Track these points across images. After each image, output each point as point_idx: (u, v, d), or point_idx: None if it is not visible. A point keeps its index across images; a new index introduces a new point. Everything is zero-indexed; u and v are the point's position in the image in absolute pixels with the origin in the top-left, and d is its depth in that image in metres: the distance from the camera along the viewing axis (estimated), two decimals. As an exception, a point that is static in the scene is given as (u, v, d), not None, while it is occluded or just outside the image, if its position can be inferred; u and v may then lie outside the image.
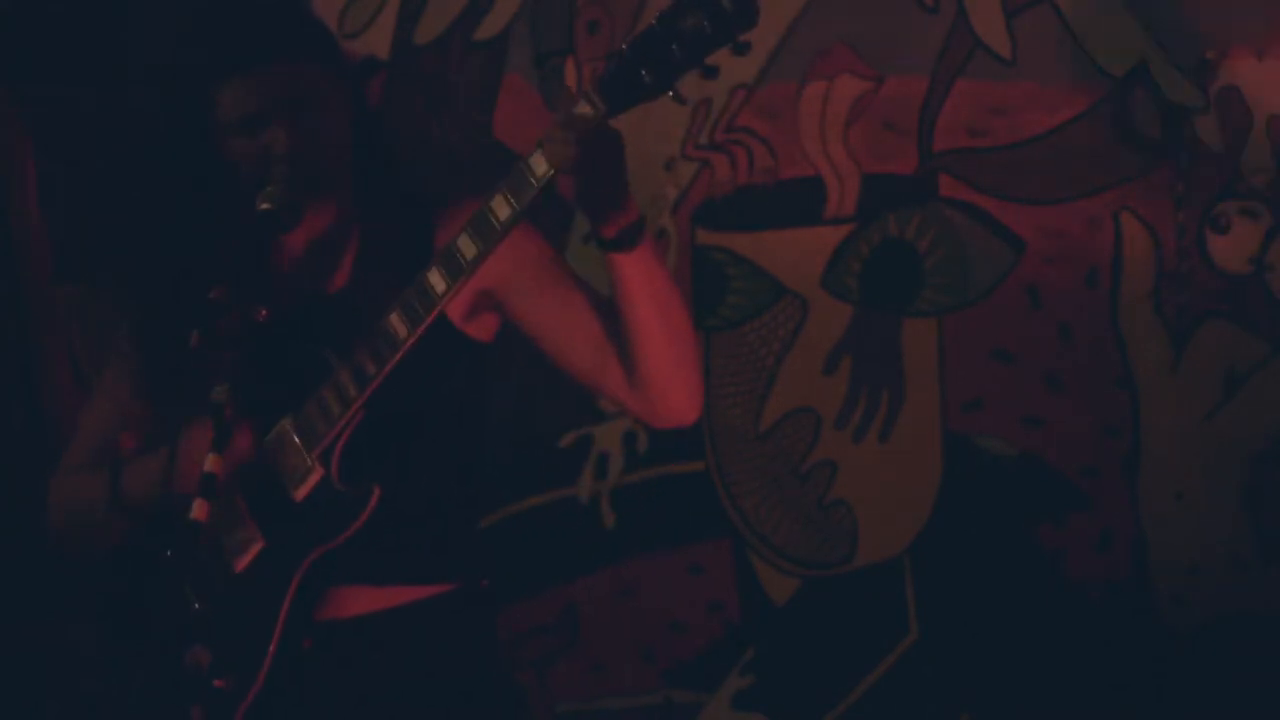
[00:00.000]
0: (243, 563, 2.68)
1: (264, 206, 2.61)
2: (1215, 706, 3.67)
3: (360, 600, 2.70)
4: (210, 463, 2.43)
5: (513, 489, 4.24)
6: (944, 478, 3.90)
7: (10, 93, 4.43)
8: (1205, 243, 3.68)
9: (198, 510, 2.39)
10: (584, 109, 2.44)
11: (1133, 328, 3.75)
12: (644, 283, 2.57)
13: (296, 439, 2.64)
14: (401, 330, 2.58)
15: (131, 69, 4.16)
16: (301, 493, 2.64)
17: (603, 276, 2.61)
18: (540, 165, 2.47)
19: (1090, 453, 3.79)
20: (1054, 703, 3.80)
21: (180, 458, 2.61)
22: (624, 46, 2.40)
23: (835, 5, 3.96)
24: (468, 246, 2.54)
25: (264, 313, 2.52)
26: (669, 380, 2.64)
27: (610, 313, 2.64)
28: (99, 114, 4.33)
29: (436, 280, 2.56)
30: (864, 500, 3.98)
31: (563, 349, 2.70)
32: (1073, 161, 3.78)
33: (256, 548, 2.67)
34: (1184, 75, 3.68)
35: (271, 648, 2.63)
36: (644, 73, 2.38)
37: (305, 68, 2.70)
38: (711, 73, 2.39)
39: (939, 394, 3.90)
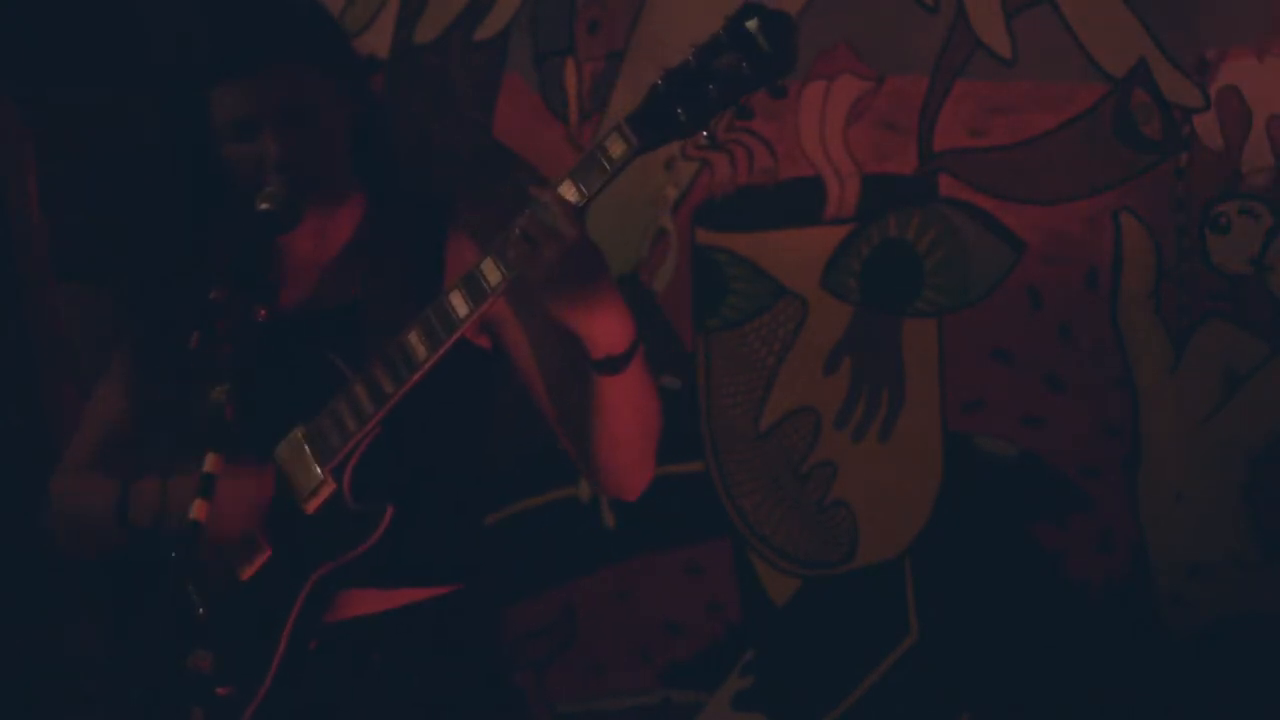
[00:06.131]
0: (249, 571, 2.66)
1: (263, 207, 2.60)
2: (1215, 707, 3.67)
3: (365, 601, 2.69)
4: (210, 462, 2.42)
5: (513, 489, 4.24)
6: (944, 478, 3.90)
7: (11, 93, 4.43)
8: (1205, 243, 3.68)
9: (197, 510, 2.38)
10: (615, 145, 2.39)
11: (1133, 328, 3.75)
12: (626, 401, 2.55)
13: (308, 451, 2.62)
14: (421, 351, 2.54)
15: (133, 69, 4.16)
16: (312, 506, 2.61)
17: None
18: (570, 193, 2.42)
19: (1090, 453, 3.78)
20: (1054, 703, 3.80)
21: (172, 499, 2.57)
22: (659, 81, 2.37)
23: (835, 5, 3.95)
24: (492, 272, 2.50)
25: (263, 313, 2.51)
26: (623, 476, 2.67)
27: (568, 387, 2.61)
28: (100, 114, 4.33)
29: (459, 304, 2.52)
30: (864, 500, 3.98)
31: (532, 389, 2.72)
32: (1073, 161, 3.78)
33: (263, 557, 2.65)
34: (1184, 75, 3.68)
35: (277, 658, 2.62)
36: (679, 110, 2.35)
37: (301, 72, 2.65)
38: (746, 113, 2.37)
39: (939, 394, 3.90)
